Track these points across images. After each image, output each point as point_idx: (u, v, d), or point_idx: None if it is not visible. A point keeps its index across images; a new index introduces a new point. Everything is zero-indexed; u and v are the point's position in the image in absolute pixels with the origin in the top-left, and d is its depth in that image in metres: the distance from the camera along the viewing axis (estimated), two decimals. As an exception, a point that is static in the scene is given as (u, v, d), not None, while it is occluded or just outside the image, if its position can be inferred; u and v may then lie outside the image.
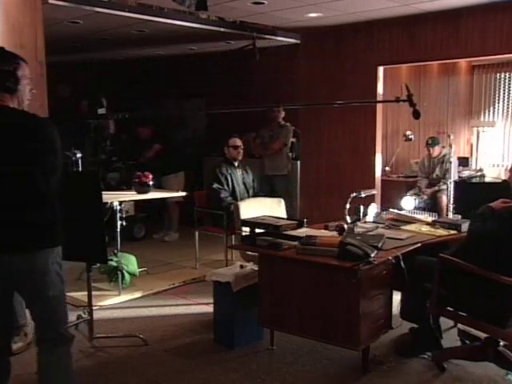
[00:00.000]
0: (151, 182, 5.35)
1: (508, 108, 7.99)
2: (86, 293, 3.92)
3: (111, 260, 4.77)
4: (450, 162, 5.04)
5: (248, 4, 5.46)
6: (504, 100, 8.01)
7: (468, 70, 8.24)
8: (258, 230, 3.74)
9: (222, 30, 6.23)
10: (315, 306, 3.30)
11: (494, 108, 8.09)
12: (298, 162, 7.25)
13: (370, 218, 4.25)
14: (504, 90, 8.00)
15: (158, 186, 6.09)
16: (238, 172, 5.85)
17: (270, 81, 7.73)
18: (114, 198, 4.96)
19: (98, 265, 4.71)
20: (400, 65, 6.86)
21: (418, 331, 3.61)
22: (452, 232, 3.92)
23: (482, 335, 3.42)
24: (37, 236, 2.39)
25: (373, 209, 4.32)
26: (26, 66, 2.44)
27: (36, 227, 2.38)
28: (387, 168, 7.41)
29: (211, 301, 3.94)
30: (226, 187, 5.66)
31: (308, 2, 5.36)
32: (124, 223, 4.97)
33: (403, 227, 4.05)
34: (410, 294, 3.56)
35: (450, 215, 4.59)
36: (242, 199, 5.41)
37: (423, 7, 5.65)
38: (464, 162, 7.49)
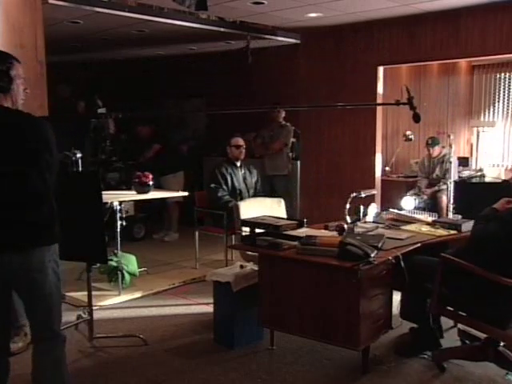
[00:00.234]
0: (151, 182, 5.36)
1: (508, 108, 7.99)
2: (85, 293, 3.91)
3: (111, 260, 4.77)
4: (450, 162, 5.03)
5: (248, 4, 5.46)
6: (504, 100, 8.02)
7: (468, 70, 8.25)
8: (258, 230, 3.73)
9: (221, 30, 6.23)
10: (315, 306, 3.30)
11: (494, 108, 8.10)
12: (298, 162, 7.25)
13: (370, 218, 4.25)
14: (504, 90, 8.01)
15: (158, 186, 6.09)
16: (240, 172, 5.82)
17: (269, 81, 7.74)
18: (114, 198, 4.96)
19: (98, 265, 4.71)
20: (400, 65, 6.86)
21: (418, 331, 3.61)
22: (452, 232, 3.91)
23: (482, 335, 3.42)
24: (34, 235, 2.39)
25: (373, 209, 4.32)
26: (19, 65, 2.43)
27: (34, 226, 2.38)
28: (387, 168, 7.42)
29: (211, 301, 3.94)
30: (224, 186, 5.65)
31: (308, 2, 5.36)
32: (124, 223, 4.96)
33: (403, 227, 4.05)
34: (410, 294, 3.55)
35: (450, 215, 4.58)
36: (242, 199, 5.40)
37: (423, 7, 5.65)
38: (464, 162, 7.49)
